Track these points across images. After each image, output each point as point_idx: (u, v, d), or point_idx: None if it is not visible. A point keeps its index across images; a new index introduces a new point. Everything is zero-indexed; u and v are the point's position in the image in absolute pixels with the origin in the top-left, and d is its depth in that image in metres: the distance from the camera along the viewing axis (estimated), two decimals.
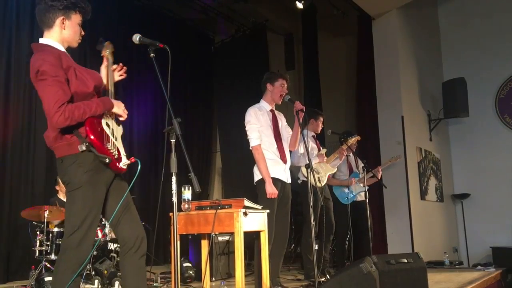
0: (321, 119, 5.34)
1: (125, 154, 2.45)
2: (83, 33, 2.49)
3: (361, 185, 5.60)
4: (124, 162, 2.40)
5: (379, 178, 5.81)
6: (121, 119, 2.50)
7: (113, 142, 2.38)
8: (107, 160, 2.26)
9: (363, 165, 5.03)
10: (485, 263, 6.49)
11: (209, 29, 8.96)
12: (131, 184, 2.49)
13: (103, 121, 2.37)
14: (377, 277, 3.14)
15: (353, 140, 5.34)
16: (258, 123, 3.93)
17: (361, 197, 5.70)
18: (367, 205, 5.03)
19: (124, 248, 2.42)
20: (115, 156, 2.34)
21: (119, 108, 2.45)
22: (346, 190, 5.67)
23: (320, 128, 5.34)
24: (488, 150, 8.08)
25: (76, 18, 2.40)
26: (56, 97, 2.16)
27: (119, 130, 2.51)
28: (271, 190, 3.74)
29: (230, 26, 8.61)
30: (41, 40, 2.38)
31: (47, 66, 2.17)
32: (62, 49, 2.39)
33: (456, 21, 8.63)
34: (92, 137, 2.24)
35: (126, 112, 2.50)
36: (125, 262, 2.42)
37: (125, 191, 2.46)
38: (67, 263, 2.24)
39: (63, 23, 2.35)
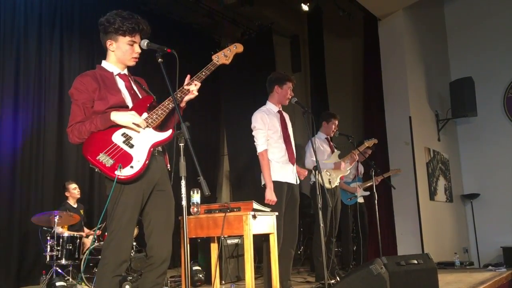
0: (333, 121, 5.30)
1: (138, 161, 2.33)
2: (138, 50, 2.56)
3: (362, 189, 5.77)
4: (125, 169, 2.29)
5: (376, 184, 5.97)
6: (137, 129, 2.38)
7: (114, 151, 2.30)
8: (96, 170, 2.29)
9: (373, 170, 5.06)
10: (496, 263, 6.45)
11: (215, 32, 8.97)
12: (101, 217, 2.34)
13: (119, 132, 2.37)
14: (387, 279, 3.13)
15: (369, 143, 5.39)
16: (264, 128, 3.92)
17: (361, 199, 5.89)
18: (377, 205, 5.02)
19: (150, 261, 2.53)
20: (106, 165, 2.25)
21: (125, 121, 2.36)
22: (349, 192, 5.73)
23: (333, 131, 5.29)
24: (497, 149, 8.02)
25: (123, 39, 2.52)
26: (70, 118, 2.42)
27: (149, 136, 2.42)
28: (270, 197, 3.75)
29: (236, 29, 8.62)
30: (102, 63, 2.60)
31: (72, 90, 2.45)
32: (112, 70, 2.56)
33: (463, 20, 8.58)
34: (87, 155, 2.30)
35: (142, 124, 2.39)
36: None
37: (166, 206, 2.56)
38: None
39: (112, 45, 2.53)
